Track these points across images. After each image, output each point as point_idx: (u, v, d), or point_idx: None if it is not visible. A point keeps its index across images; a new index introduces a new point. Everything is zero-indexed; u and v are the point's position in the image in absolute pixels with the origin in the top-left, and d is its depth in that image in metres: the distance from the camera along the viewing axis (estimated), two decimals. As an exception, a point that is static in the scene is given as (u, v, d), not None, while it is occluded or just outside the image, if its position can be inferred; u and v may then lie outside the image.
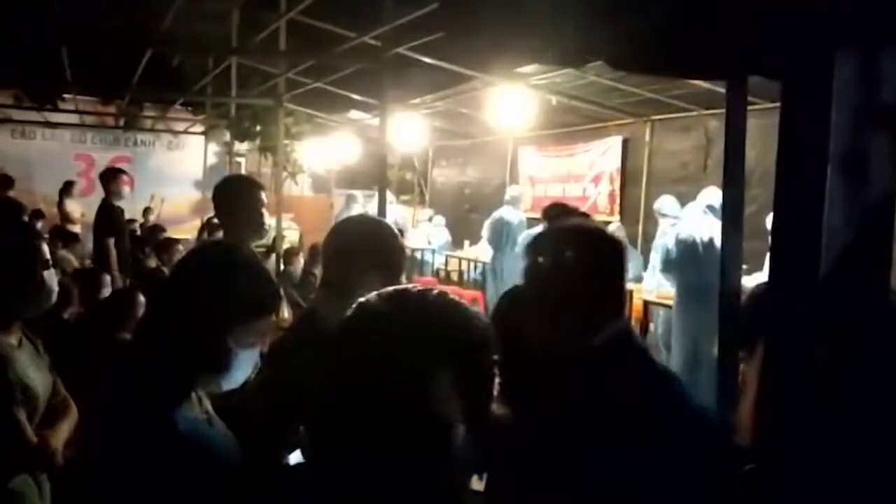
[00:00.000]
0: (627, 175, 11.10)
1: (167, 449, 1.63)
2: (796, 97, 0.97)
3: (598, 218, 10.91)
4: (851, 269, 0.98)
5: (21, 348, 2.67)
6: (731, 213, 2.83)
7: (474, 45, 3.96)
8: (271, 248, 9.06)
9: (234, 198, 3.74)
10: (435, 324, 1.13)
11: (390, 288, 1.19)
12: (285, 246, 10.01)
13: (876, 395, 1.15)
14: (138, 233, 11.27)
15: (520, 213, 10.51)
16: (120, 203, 8.00)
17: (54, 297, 2.76)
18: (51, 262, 2.74)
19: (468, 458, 1.14)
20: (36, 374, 2.67)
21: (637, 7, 2.25)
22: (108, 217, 7.80)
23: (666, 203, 8.41)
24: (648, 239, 9.59)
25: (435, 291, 1.19)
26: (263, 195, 3.80)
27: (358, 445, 1.10)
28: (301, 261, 9.08)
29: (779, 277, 1.03)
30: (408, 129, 12.19)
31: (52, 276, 2.73)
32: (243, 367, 1.86)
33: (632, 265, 9.40)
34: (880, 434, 1.18)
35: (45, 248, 2.74)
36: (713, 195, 7.01)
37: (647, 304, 8.17)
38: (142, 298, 4.83)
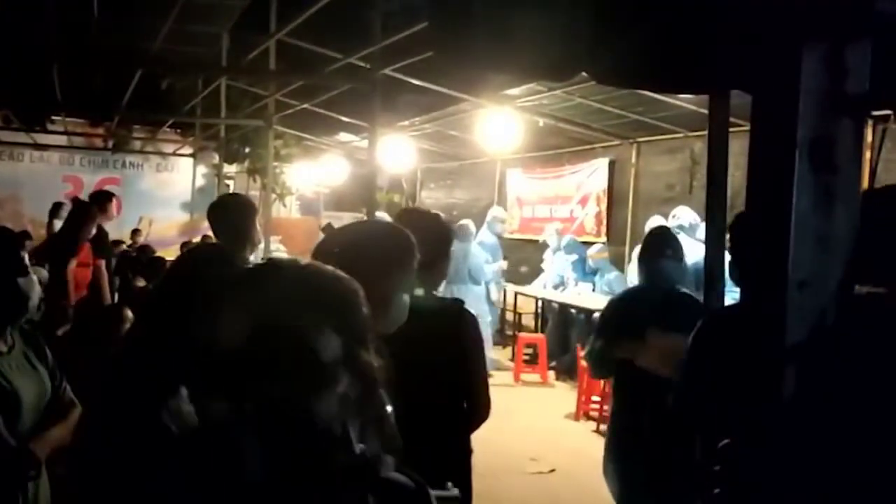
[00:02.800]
0: (614, 196, 11.19)
1: (154, 441, 1.66)
2: (766, 88, 1.02)
3: (586, 239, 11.01)
4: (821, 253, 1.03)
5: (9, 354, 2.69)
6: (715, 223, 2.89)
7: (463, 63, 4.01)
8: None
9: (228, 215, 3.81)
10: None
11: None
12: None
13: (849, 379, 1.19)
14: (127, 254, 11.25)
15: (493, 236, 10.74)
16: (106, 226, 8.08)
17: (34, 304, 2.78)
18: (28, 269, 2.77)
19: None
20: (22, 379, 2.68)
21: (622, 24, 2.32)
22: (99, 239, 7.84)
23: (657, 224, 8.53)
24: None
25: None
26: (257, 214, 3.88)
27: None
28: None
29: (750, 261, 1.08)
30: (396, 151, 12.26)
31: (28, 283, 2.75)
32: None
33: (617, 286, 9.47)
34: (856, 416, 1.22)
35: (24, 256, 2.76)
36: (683, 214, 7.28)
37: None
38: (130, 315, 4.80)
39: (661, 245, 4.11)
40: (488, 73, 7.43)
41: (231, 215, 3.81)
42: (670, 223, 7.35)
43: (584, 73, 2.63)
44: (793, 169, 0.97)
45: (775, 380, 1.10)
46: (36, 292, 2.78)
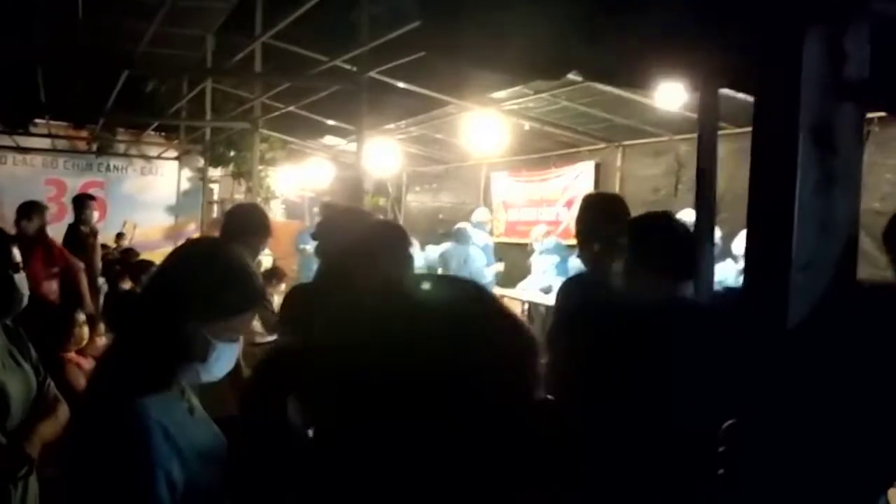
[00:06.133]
0: (600, 199, 11.19)
1: (126, 433, 1.65)
2: (768, 73, 1.04)
3: (571, 242, 11.02)
4: (823, 236, 1.04)
5: None
6: (703, 220, 2.91)
7: (455, 61, 4.04)
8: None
9: (244, 223, 3.88)
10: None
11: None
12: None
13: (846, 364, 1.21)
14: (112, 256, 11.17)
15: (485, 235, 10.78)
16: (86, 229, 8.04)
17: (25, 300, 2.77)
18: (21, 265, 2.76)
19: None
20: (8, 376, 2.66)
21: (613, 22, 2.33)
22: (77, 242, 7.81)
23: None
24: (620, 262, 9.67)
25: None
26: (270, 228, 3.99)
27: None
28: (282, 287, 8.56)
29: (754, 246, 1.09)
30: (382, 154, 12.25)
31: (22, 280, 2.73)
32: (222, 361, 1.88)
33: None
34: (852, 401, 1.23)
35: (16, 252, 2.75)
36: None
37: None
38: (82, 318, 4.65)
39: None
40: (480, 71, 7.44)
41: (247, 224, 3.87)
42: None
43: (571, 75, 2.66)
44: (796, 153, 0.99)
45: (776, 362, 1.11)
46: (27, 290, 2.76)
